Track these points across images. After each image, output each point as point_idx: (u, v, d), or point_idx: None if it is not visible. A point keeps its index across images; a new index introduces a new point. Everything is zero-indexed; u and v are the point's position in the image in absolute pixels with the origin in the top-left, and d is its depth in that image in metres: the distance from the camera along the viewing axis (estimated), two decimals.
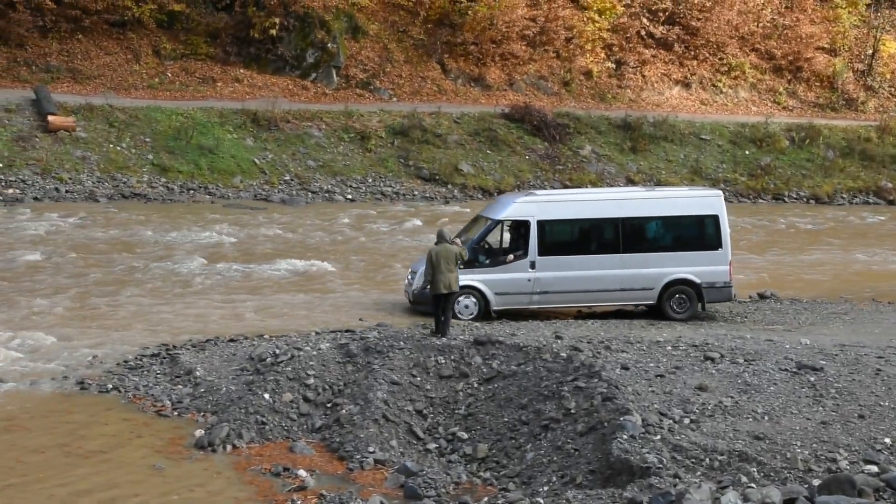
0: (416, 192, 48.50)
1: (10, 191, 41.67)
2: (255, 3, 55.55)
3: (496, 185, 49.83)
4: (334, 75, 56.69)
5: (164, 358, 21.17)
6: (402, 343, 19.36)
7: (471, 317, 25.66)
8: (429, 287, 22.40)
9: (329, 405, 17.96)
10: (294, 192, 46.33)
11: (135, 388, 19.41)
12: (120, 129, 47.14)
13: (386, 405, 17.30)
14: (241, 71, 55.40)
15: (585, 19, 63.22)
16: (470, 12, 59.67)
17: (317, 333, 22.56)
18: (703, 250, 26.78)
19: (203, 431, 17.07)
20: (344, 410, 17.43)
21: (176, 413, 18.26)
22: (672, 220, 27.28)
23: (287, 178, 47.42)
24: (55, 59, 52.70)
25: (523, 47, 61.68)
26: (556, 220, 26.66)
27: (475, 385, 18.22)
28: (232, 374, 19.60)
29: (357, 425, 16.84)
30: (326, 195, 46.70)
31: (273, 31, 55.24)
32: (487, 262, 26.51)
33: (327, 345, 19.91)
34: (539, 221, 26.29)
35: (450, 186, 49.49)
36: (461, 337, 19.99)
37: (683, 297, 26.63)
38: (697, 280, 26.52)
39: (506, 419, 16.85)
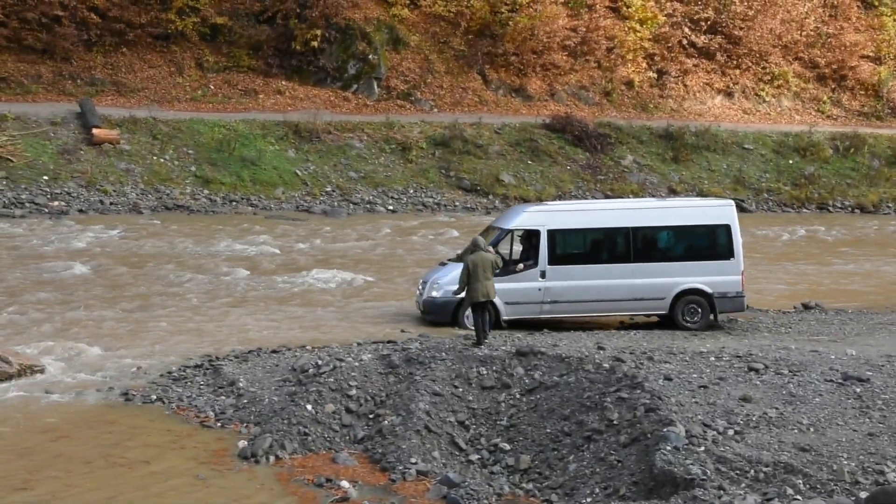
0: (457, 203, 48.51)
1: (56, 203, 42.07)
2: (298, 16, 55.80)
3: (537, 195, 49.73)
4: (375, 87, 56.84)
5: (208, 369, 21.24)
6: (443, 354, 19.33)
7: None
8: (464, 295, 22.52)
9: (371, 416, 17.95)
10: (335, 204, 46.47)
11: (178, 399, 19.49)
12: (163, 142, 47.48)
13: (428, 416, 17.28)
14: (283, 83, 55.67)
15: (627, 29, 63.07)
16: (511, 23, 59.65)
17: (359, 344, 22.57)
18: (714, 260, 26.66)
19: (246, 442, 17.10)
20: (386, 421, 17.42)
21: (219, 424, 18.31)
22: (683, 230, 27.18)
23: (328, 189, 47.57)
24: (100, 72, 53.17)
25: (564, 57, 61.59)
26: (566, 229, 26.58)
27: (517, 396, 18.16)
28: (274, 385, 19.63)
29: (399, 436, 16.82)
30: (368, 206, 46.81)
31: (315, 43, 55.47)
32: (497, 271, 26.49)
33: (369, 356, 19.91)
34: (549, 231, 26.26)
35: (491, 197, 49.47)
36: (503, 348, 19.93)
37: (695, 306, 26.49)
38: (709, 290, 26.38)
39: (548, 430, 16.78)
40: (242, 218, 43.02)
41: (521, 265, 26.36)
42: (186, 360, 22.15)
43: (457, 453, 16.84)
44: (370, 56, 56.77)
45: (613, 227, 26.86)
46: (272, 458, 16.56)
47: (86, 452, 16.84)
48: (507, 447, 16.79)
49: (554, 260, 26.13)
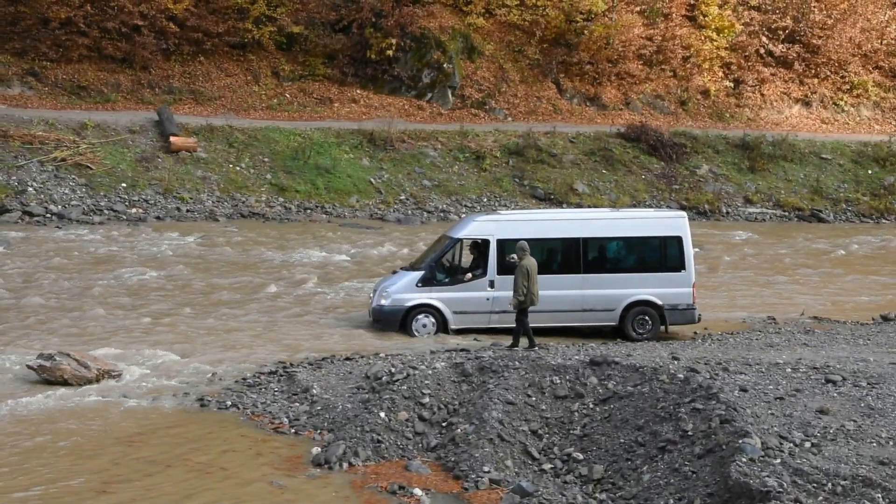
0: None
1: (134, 210, 42.63)
2: (373, 25, 56.08)
3: (611, 204, 49.47)
4: (450, 95, 56.94)
5: (282, 376, 21.36)
6: (516, 363, 19.28)
7: (427, 336, 25.84)
8: (522, 299, 22.71)
9: (444, 424, 17.95)
10: (409, 212, 46.59)
11: (253, 405, 19.62)
12: (239, 150, 47.94)
13: (501, 425, 17.24)
14: (358, 91, 55.97)
15: (703, 38, 62.61)
16: (586, 32, 59.48)
17: (432, 352, 22.60)
18: (665, 272, 26.60)
19: (320, 449, 17.18)
20: (459, 430, 17.41)
21: (293, 431, 18.40)
22: (634, 241, 27.17)
23: (402, 197, 47.71)
24: (177, 80, 53.83)
25: (640, 66, 61.30)
26: (516, 239, 26.18)
27: (591, 405, 18.07)
28: (348, 392, 19.70)
29: (472, 445, 16.80)
30: (441, 215, 46.86)
31: (390, 52, 55.71)
32: (447, 280, 26.58)
33: (442, 364, 19.92)
34: (499, 240, 26.33)
35: (565, 206, 49.27)
36: (576, 357, 19.84)
37: (645, 318, 26.39)
38: (660, 302, 26.34)
39: (622, 440, 16.67)
40: (317, 226, 43.28)
41: (469, 274, 26.49)
42: (261, 366, 22.30)
43: (530, 462, 16.78)
44: (445, 65, 56.89)
45: (563, 237, 26.92)
46: (345, 465, 16.61)
47: (163, 457, 17.02)
48: (581, 457, 16.70)
49: (503, 270, 26.07)
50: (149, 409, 19.52)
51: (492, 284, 26.18)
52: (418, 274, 26.48)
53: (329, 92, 55.69)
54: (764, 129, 58.95)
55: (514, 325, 24.03)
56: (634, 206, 49.42)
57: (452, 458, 16.75)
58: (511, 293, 24.26)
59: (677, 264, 26.53)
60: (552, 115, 57.61)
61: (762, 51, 63.84)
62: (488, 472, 16.07)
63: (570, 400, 18.28)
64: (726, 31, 62.96)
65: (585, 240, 26.76)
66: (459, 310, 26.12)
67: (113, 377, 21.11)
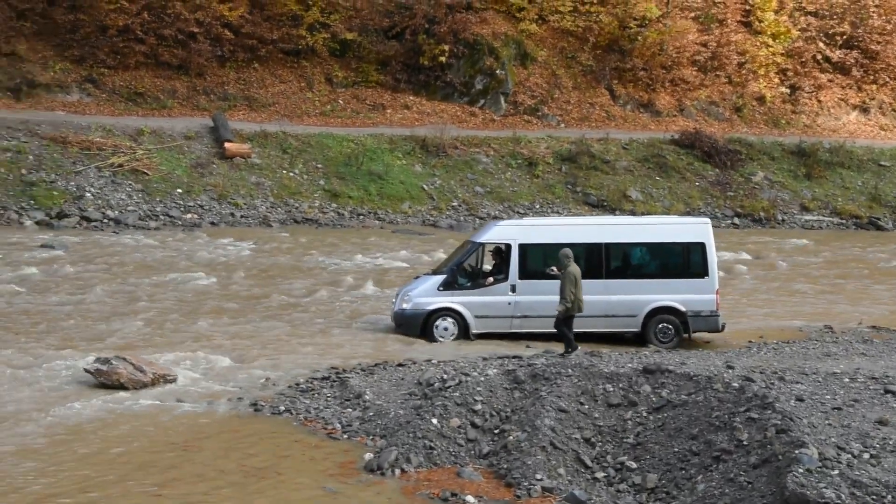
0: None
1: (189, 215, 42.97)
2: (426, 31, 56.20)
3: (665, 211, 49.22)
4: (502, 101, 56.91)
5: (334, 381, 21.41)
6: (569, 370, 19.19)
7: (451, 339, 25.87)
8: (569, 306, 22.70)
9: (496, 431, 17.90)
10: (462, 218, 46.60)
11: (306, 410, 19.67)
12: (293, 156, 48.19)
13: (553, 432, 17.16)
14: (411, 98, 56.09)
15: (759, 44, 62.20)
16: (640, 38, 59.27)
17: (484, 359, 22.57)
18: (688, 278, 26.37)
19: (372, 455, 17.18)
20: (511, 437, 17.35)
21: (346, 436, 18.43)
22: (657, 247, 26.91)
23: (455, 203, 47.74)
24: (232, 87, 54.22)
25: (694, 72, 61.00)
26: (537, 244, 26.46)
27: (644, 414, 17.93)
28: (400, 398, 19.70)
29: (524, 452, 16.73)
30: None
31: (442, 59, 55.80)
32: (468, 284, 26.52)
33: (494, 371, 19.86)
34: (521, 245, 26.29)
35: (618, 213, 49.10)
36: (629, 365, 19.72)
37: (668, 325, 26.20)
38: (682, 308, 26.13)
39: (676, 449, 16.53)
40: (369, 232, 43.40)
41: (490, 279, 26.43)
42: (314, 371, 22.36)
43: (582, 470, 16.69)
44: (497, 71, 56.89)
45: (586, 242, 26.56)
46: (398, 471, 16.60)
47: (218, 461, 17.10)
48: (634, 465, 16.59)
49: (525, 274, 26.11)
50: (203, 414, 19.63)
51: (513, 289, 26.16)
52: (440, 278, 26.51)
53: (382, 98, 55.88)
54: (821, 136, 58.45)
55: (560, 333, 23.95)
56: (688, 213, 49.15)
57: (505, 466, 16.70)
58: (535, 297, 24.72)
59: (700, 270, 26.27)
60: (605, 122, 57.43)
61: (819, 57, 63.31)
62: (541, 479, 16.00)
63: (623, 408, 18.16)
64: (782, 36, 62.49)
65: (608, 245, 26.65)
66: (481, 314, 26.10)
67: (168, 381, 21.25)
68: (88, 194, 42.81)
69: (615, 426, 17.76)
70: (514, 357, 22.72)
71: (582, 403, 18.18)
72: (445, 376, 19.66)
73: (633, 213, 48.85)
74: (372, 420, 18.91)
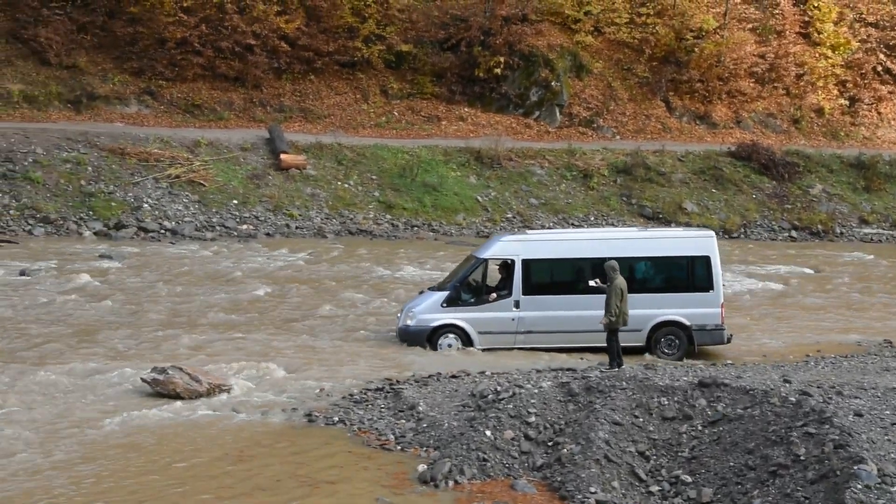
0: None
1: (245, 226, 43.26)
2: (481, 43, 56.29)
3: (721, 223, 48.94)
4: (557, 113, 56.87)
5: (388, 392, 21.42)
6: (623, 383, 19.08)
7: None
8: (614, 319, 22.63)
9: (550, 444, 17.83)
10: (516, 230, 46.50)
11: (360, 421, 19.71)
12: (348, 167, 48.40)
13: (608, 445, 17.07)
14: (466, 109, 56.19)
15: (817, 55, 61.75)
16: (696, 49, 59.04)
17: (538, 371, 22.52)
18: (693, 292, 26.09)
19: (426, 466, 17.18)
20: (565, 449, 17.28)
21: (399, 447, 18.43)
22: (661, 261, 26.59)
23: (509, 215, 47.71)
24: (288, 99, 54.60)
25: (751, 84, 60.64)
26: (541, 259, 26.33)
27: (699, 427, 17.79)
28: (454, 409, 19.69)
29: (578, 465, 16.66)
30: None
31: (498, 71, 55.87)
32: (472, 300, 26.34)
33: (548, 383, 19.80)
34: (524, 260, 26.08)
35: (673, 225, 48.86)
36: (685, 378, 19.59)
37: (673, 338, 25.87)
38: (687, 322, 25.88)
39: (731, 463, 16.38)
40: (424, 243, 43.47)
41: (493, 294, 26.25)
42: (368, 382, 22.40)
43: (637, 484, 16.58)
44: (553, 83, 56.86)
45: (589, 257, 26.33)
46: (451, 483, 16.58)
47: (272, 471, 17.18)
48: (689, 479, 16.46)
49: (528, 290, 25.97)
50: (258, 424, 19.72)
51: (517, 305, 26.01)
52: (443, 294, 26.34)
53: (437, 110, 56.02)
54: (880, 148, 57.86)
55: (608, 347, 23.89)
56: (744, 225, 48.85)
57: (558, 478, 16.63)
58: (539, 313, 25.15)
59: (705, 284, 25.98)
60: (661, 134, 57.21)
61: (879, 68, 62.68)
62: (595, 492, 15.92)
63: (678, 421, 18.03)
64: (842, 48, 61.98)
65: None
66: (484, 330, 25.95)
67: (223, 391, 21.37)
68: (146, 205, 43.23)
69: (670, 440, 17.63)
70: (568, 369, 22.66)
71: (636, 416, 18.08)
72: (499, 388, 19.62)
73: (688, 226, 48.66)
74: (425, 431, 18.90)
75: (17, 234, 40.34)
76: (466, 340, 25.99)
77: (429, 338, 25.92)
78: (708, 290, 25.95)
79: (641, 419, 18.05)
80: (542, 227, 46.92)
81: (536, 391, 19.13)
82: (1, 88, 50.81)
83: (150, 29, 53.27)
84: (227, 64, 53.62)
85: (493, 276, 27.08)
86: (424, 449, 18.22)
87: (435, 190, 47.97)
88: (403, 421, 19.63)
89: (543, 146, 53.13)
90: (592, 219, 48.41)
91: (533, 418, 18.23)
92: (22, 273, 33.22)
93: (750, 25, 61.62)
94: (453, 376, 22.57)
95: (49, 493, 16.05)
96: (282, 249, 39.96)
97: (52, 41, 52.39)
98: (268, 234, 43.07)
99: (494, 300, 26.17)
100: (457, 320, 26.01)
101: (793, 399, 17.34)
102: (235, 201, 44.92)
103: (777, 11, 62.86)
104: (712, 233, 27.58)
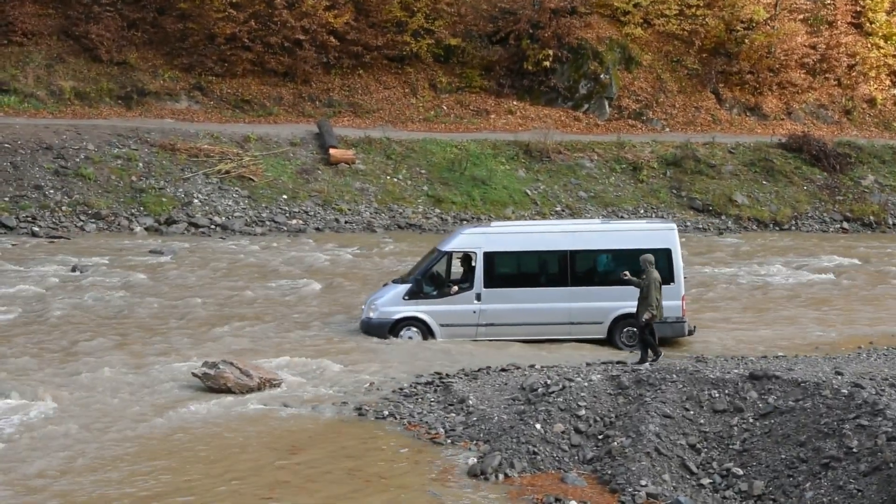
0: (688, 223, 47.76)
1: (294, 221, 43.44)
2: (530, 36, 56.14)
3: (772, 216, 48.57)
4: (606, 106, 56.62)
5: (438, 386, 21.46)
6: (674, 376, 19.00)
7: None
8: (655, 313, 22.55)
9: (600, 437, 17.80)
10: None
11: (410, 415, 19.76)
12: (397, 162, 48.46)
13: (658, 438, 17.02)
14: (514, 103, 56.07)
15: (869, 45, 61.06)
16: (747, 41, 58.57)
17: (588, 365, 22.47)
18: None
19: (476, 460, 17.20)
20: (615, 442, 17.24)
21: (449, 441, 18.46)
22: (622, 254, 26.32)
23: (558, 208, 47.58)
24: (337, 93, 54.75)
25: (802, 75, 60.07)
26: (502, 251, 26.33)
27: (751, 420, 17.69)
28: (503, 403, 19.69)
29: (629, 458, 16.62)
30: None
31: (546, 64, 55.69)
32: (434, 293, 26.34)
33: (598, 376, 19.76)
34: (486, 253, 26.12)
35: (724, 217, 48.57)
36: (735, 371, 19.47)
37: (634, 330, 25.62)
38: None
39: (783, 456, 16.28)
40: None
41: (455, 287, 26.29)
42: (417, 376, 22.46)
43: (688, 477, 16.52)
44: (602, 75, 56.62)
45: (550, 250, 26.59)
46: (501, 476, 16.59)
47: (323, 464, 17.28)
48: (740, 472, 16.37)
49: (490, 282, 26.00)
50: (308, 418, 19.82)
51: (478, 297, 26.05)
52: (405, 287, 26.42)
53: (486, 103, 55.95)
54: None
55: (644, 340, 23.81)
56: (795, 217, 48.48)
57: (609, 471, 16.60)
58: (500, 305, 25.35)
59: (666, 277, 25.59)
60: (711, 126, 56.82)
61: None
62: (645, 485, 15.88)
63: (729, 414, 17.93)
64: (894, 38, 61.19)
65: (573, 252, 26.47)
66: (446, 322, 26.05)
67: (274, 386, 21.50)
68: (196, 200, 43.53)
69: (721, 432, 17.55)
70: (618, 362, 22.59)
71: (687, 409, 18.00)
72: (549, 381, 19.61)
73: (738, 218, 48.36)
74: (475, 425, 18.92)
75: (69, 231, 40.74)
76: (428, 333, 26.12)
77: (391, 330, 26.06)
78: (669, 283, 25.69)
79: (692, 412, 17.98)
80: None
81: (586, 384, 19.10)
82: (53, 85, 51.37)
83: (200, 25, 53.60)
84: (276, 59, 53.84)
85: (458, 268, 27.26)
86: (474, 442, 18.24)
87: (484, 184, 47.92)
88: (453, 414, 19.66)
89: (592, 139, 52.92)
90: (642, 211, 48.16)
91: (583, 411, 18.21)
92: (74, 269, 33.56)
93: (801, 16, 61.00)
94: (503, 370, 22.58)
95: (103, 488, 16.23)
96: (331, 244, 40.09)
97: (104, 38, 52.87)
98: (317, 229, 43.23)
99: (456, 293, 26.29)
100: (418, 313, 26.14)
101: (845, 391, 17.21)
102: (285, 196, 45.12)
103: (829, 2, 62.21)
104: (674, 226, 27.34)
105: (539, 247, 26.86)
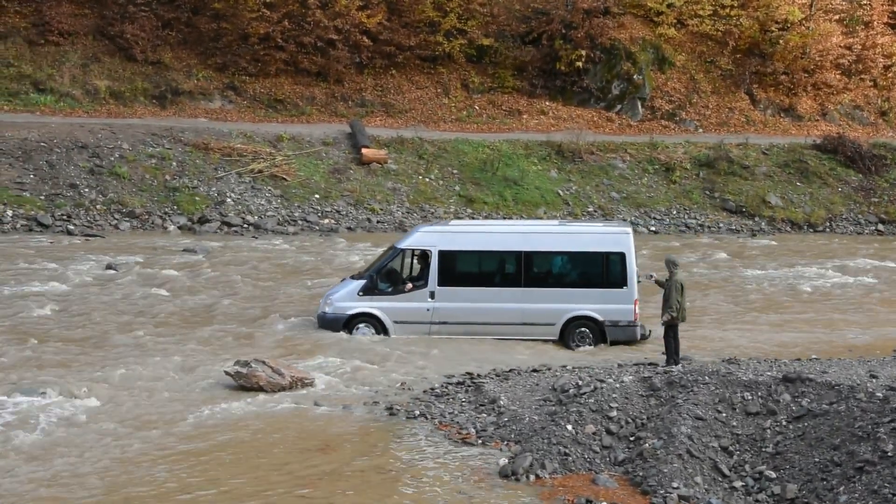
0: (721, 225, 47.61)
1: (327, 221, 43.55)
2: (563, 37, 56.07)
3: (806, 217, 48.30)
4: (639, 107, 56.49)
5: (469, 386, 21.47)
6: (706, 378, 18.92)
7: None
8: (675, 315, 22.43)
9: (632, 438, 17.75)
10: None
11: (441, 414, 19.77)
12: (429, 161, 48.50)
13: (690, 440, 16.96)
14: (547, 103, 56.04)
15: None
16: (781, 41, 58.32)
17: (619, 366, 22.43)
18: (607, 288, 25.88)
19: (507, 460, 17.19)
20: (647, 444, 17.19)
21: (480, 441, 18.46)
22: (576, 256, 26.45)
23: (590, 209, 47.50)
24: (369, 93, 54.87)
25: (837, 76, 59.74)
26: (457, 251, 26.38)
27: (784, 423, 17.59)
28: (535, 404, 19.67)
29: (661, 460, 16.57)
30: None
31: (579, 64, 55.62)
32: (389, 290, 26.40)
33: (630, 377, 19.70)
34: (441, 252, 26.13)
35: (757, 219, 48.36)
36: (768, 373, 19.37)
37: (586, 332, 25.74)
38: (600, 318, 25.74)
39: (817, 459, 16.18)
40: None
41: (409, 284, 26.32)
42: (448, 377, 22.47)
43: (720, 479, 16.45)
44: (635, 76, 56.49)
45: (505, 250, 26.65)
46: (532, 476, 16.57)
47: (354, 463, 17.31)
48: (773, 475, 16.29)
49: (444, 281, 26.02)
50: (340, 417, 19.87)
51: (432, 295, 26.09)
52: (361, 283, 26.50)
53: (518, 104, 55.94)
54: None
55: (665, 343, 23.69)
56: (830, 219, 48.18)
57: (640, 473, 16.55)
58: (453, 304, 25.46)
59: (619, 280, 25.78)
60: (744, 127, 56.61)
61: None
62: (677, 487, 15.82)
63: (761, 417, 17.84)
64: None
65: (527, 253, 26.40)
66: (399, 319, 26.10)
67: (306, 385, 21.56)
68: (229, 199, 43.70)
69: (753, 435, 17.46)
70: (650, 364, 22.52)
71: (719, 411, 17.93)
72: (580, 382, 19.57)
73: (771, 220, 48.12)
74: (506, 425, 18.91)
75: (103, 229, 40.99)
76: (382, 329, 26.17)
77: (345, 325, 26.17)
78: (622, 287, 25.79)
79: (724, 414, 17.90)
80: (624, 220, 46.68)
81: (618, 386, 19.05)
82: (88, 85, 51.75)
83: (234, 25, 53.86)
84: (309, 59, 54.02)
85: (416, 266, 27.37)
86: (505, 443, 18.23)
87: (516, 184, 47.89)
88: (484, 415, 19.66)
89: (625, 140, 52.83)
90: (674, 213, 48.03)
91: (614, 413, 18.16)
92: (108, 267, 33.74)
93: (836, 16, 60.68)
94: (534, 370, 22.57)
95: (136, 483, 16.34)
96: (364, 243, 40.16)
97: (138, 38, 53.22)
98: (349, 229, 43.32)
99: (410, 290, 26.32)
100: (372, 309, 26.22)
101: (880, 395, 17.10)
102: (317, 196, 45.24)
103: (864, 2, 61.87)
104: (629, 229, 27.04)
105: (494, 247, 26.86)
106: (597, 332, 25.96)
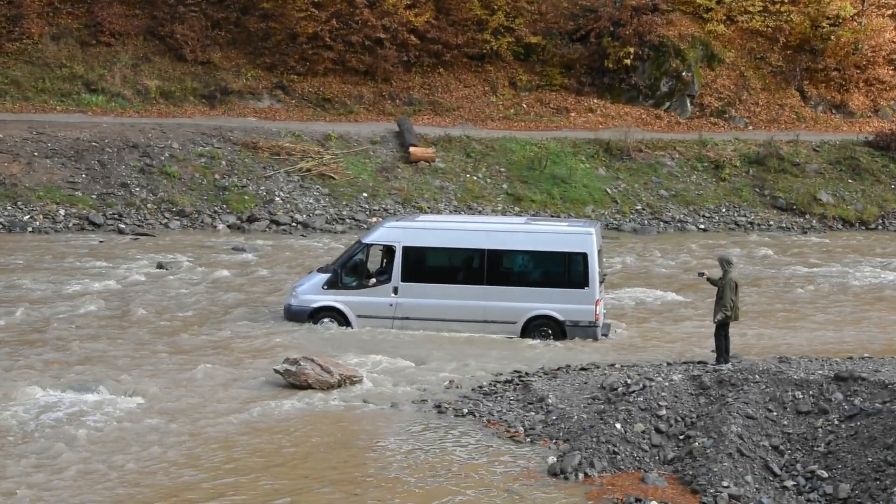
0: (771, 223, 47.27)
1: (374, 219, 43.64)
2: (611, 34, 55.85)
3: (858, 215, 47.86)
4: (688, 104, 56.17)
5: (517, 384, 21.46)
6: (756, 376, 18.80)
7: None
8: (728, 314, 22.22)
9: (681, 437, 17.66)
10: (645, 222, 46.18)
11: (489, 413, 19.77)
12: (476, 160, 48.48)
13: (741, 439, 16.85)
14: (595, 101, 55.85)
15: None
16: (833, 37, 57.76)
17: (668, 364, 22.33)
18: (568, 287, 25.82)
19: (555, 459, 17.16)
20: (697, 443, 17.11)
21: (528, 439, 18.44)
22: (538, 256, 26.48)
23: (639, 207, 47.32)
24: (417, 92, 54.93)
25: (890, 72, 59.12)
26: (421, 247, 26.45)
27: (835, 422, 17.45)
28: (583, 402, 19.62)
29: (710, 458, 16.48)
30: (678, 225, 46.27)
31: (627, 61, 55.39)
32: (353, 284, 26.48)
33: (679, 376, 19.61)
34: (405, 247, 26.20)
35: (808, 217, 47.96)
36: (819, 372, 19.21)
37: (547, 331, 25.69)
38: (561, 318, 25.71)
39: (869, 459, 16.02)
40: None
41: (373, 279, 26.39)
42: (497, 375, 22.47)
43: (770, 478, 16.33)
44: (684, 73, 56.16)
45: (468, 247, 26.67)
46: (581, 475, 16.54)
47: (403, 461, 17.34)
48: (825, 475, 16.14)
49: (407, 276, 26.09)
50: (388, 415, 19.92)
51: (395, 291, 26.18)
52: (325, 276, 26.59)
53: (566, 102, 55.79)
54: None
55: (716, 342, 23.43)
56: (882, 216, 47.75)
57: (690, 472, 16.47)
58: (416, 300, 25.68)
59: (581, 280, 25.75)
60: (795, 124, 56.13)
61: None
62: (727, 487, 15.73)
63: (813, 415, 17.71)
64: None
65: (490, 251, 26.34)
66: (363, 314, 26.25)
67: (354, 383, 21.62)
68: (278, 198, 43.92)
69: (805, 434, 17.33)
70: (700, 362, 22.40)
71: (770, 410, 17.81)
72: (629, 381, 19.50)
73: (823, 217, 47.68)
74: (555, 424, 18.88)
75: (154, 228, 41.34)
76: (345, 323, 26.29)
77: (310, 317, 26.37)
78: (583, 287, 25.76)
79: (775, 413, 17.79)
80: (672, 218, 46.47)
81: (667, 384, 18.97)
82: (139, 85, 52.22)
83: (282, 24, 54.11)
84: (357, 58, 54.17)
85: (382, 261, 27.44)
86: (554, 441, 18.20)
87: (564, 182, 47.78)
88: (533, 413, 19.64)
89: (674, 137, 52.54)
90: (724, 210, 47.74)
91: (664, 411, 18.09)
92: (159, 266, 34.02)
93: (889, 12, 60.05)
94: (583, 368, 22.52)
95: (185, 480, 16.46)
96: None
97: (188, 38, 53.63)
98: None
99: (374, 285, 26.41)
100: (336, 303, 26.41)
101: None
102: (365, 194, 45.36)
103: None
104: (592, 229, 26.74)
105: (457, 244, 26.91)
106: (558, 331, 25.97)
